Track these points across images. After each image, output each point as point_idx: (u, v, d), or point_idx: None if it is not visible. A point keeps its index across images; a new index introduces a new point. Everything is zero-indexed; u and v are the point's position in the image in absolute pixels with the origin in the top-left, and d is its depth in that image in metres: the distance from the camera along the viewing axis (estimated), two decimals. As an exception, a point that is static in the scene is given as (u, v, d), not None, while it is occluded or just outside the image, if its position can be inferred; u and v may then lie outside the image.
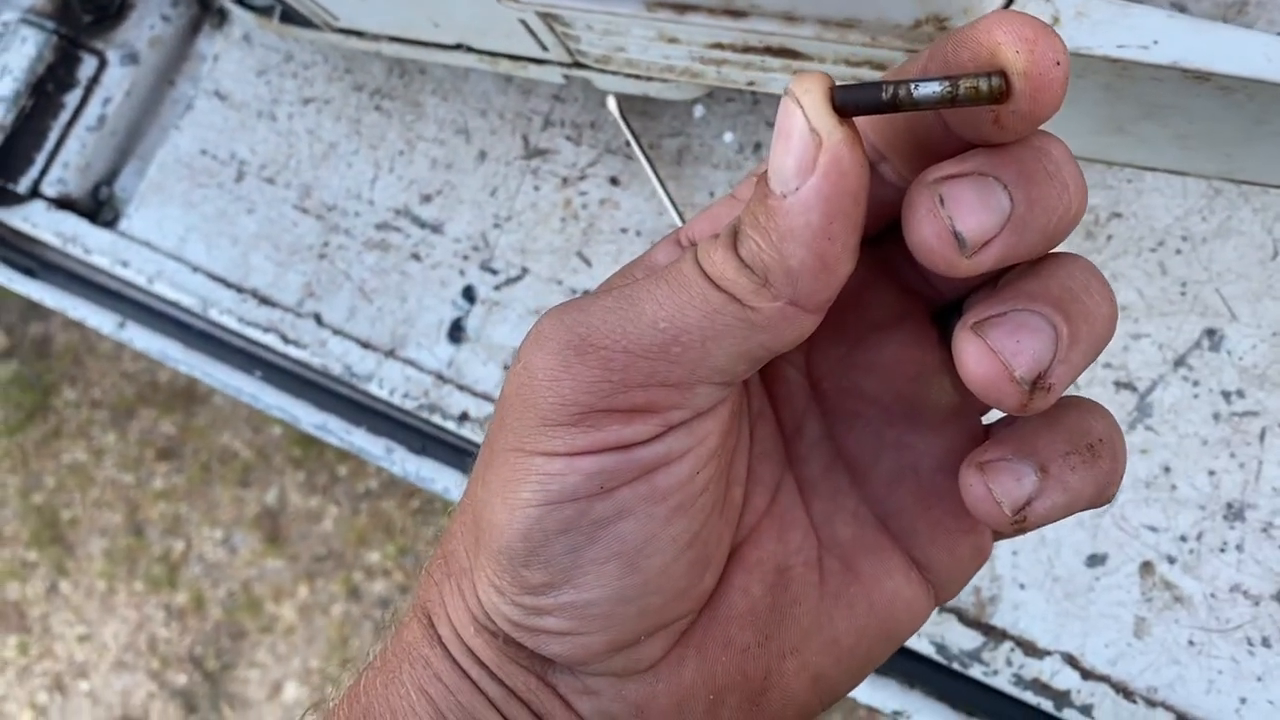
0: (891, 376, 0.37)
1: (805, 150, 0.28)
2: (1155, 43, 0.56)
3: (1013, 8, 0.58)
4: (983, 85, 0.27)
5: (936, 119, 0.30)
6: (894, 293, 0.37)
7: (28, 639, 2.11)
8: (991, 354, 0.29)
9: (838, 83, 0.29)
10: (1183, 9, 0.79)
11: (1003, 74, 0.27)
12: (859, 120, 0.30)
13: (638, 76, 0.74)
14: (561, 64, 0.76)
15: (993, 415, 0.36)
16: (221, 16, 0.99)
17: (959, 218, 0.29)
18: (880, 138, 0.32)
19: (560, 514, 0.32)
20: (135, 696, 2.06)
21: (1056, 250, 0.32)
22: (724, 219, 0.36)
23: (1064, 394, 0.31)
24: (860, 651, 0.37)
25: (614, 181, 0.87)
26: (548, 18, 0.69)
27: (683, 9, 0.64)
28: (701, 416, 0.33)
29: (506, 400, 0.33)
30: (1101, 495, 0.33)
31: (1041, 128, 0.30)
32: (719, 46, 0.67)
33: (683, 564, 0.33)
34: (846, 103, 0.28)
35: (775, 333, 0.30)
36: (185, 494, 2.12)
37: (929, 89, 0.28)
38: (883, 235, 0.35)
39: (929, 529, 0.37)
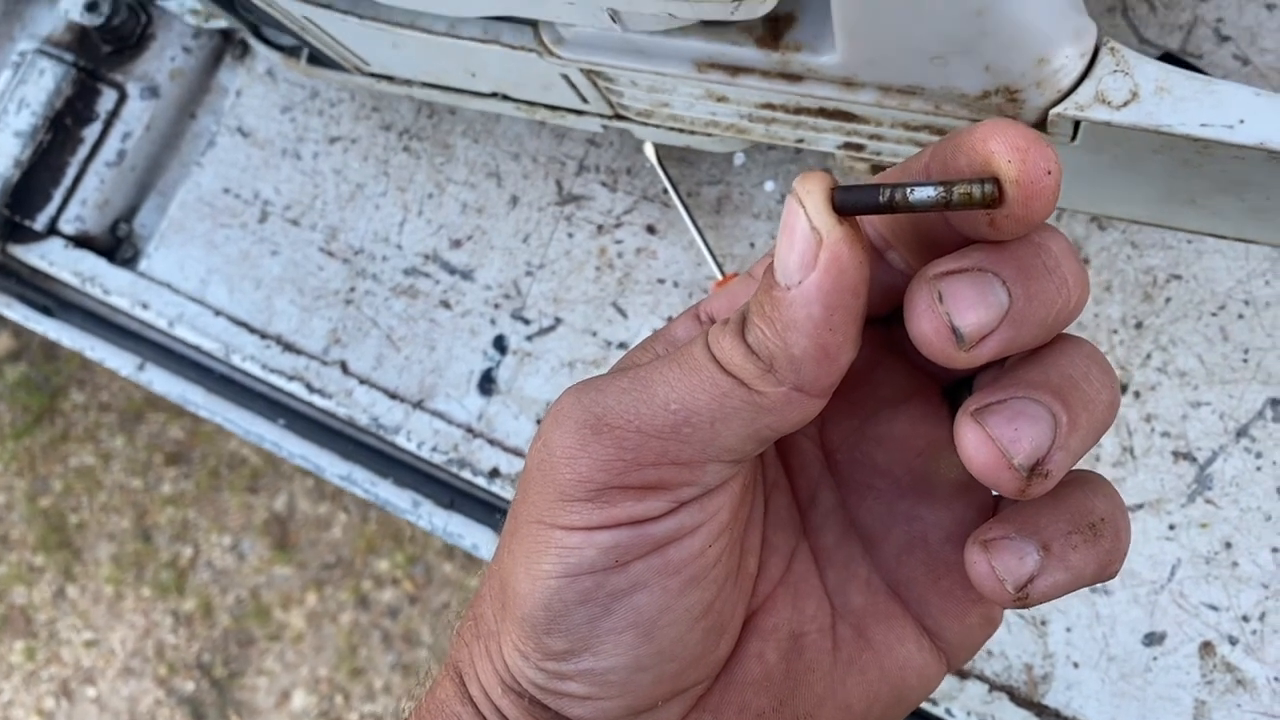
0: (902, 451, 0.38)
1: (807, 247, 0.30)
2: (1241, 122, 0.53)
3: (1090, 80, 0.55)
4: (976, 191, 0.29)
5: (938, 214, 0.31)
6: (904, 370, 0.38)
7: (34, 644, 2.09)
8: (990, 441, 0.30)
9: (839, 183, 0.31)
10: (1245, 60, 0.77)
11: (996, 181, 0.29)
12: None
13: (680, 130, 0.72)
14: (602, 115, 0.74)
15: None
16: (244, 48, 0.96)
17: (957, 314, 0.30)
18: (886, 228, 0.34)
19: (578, 586, 0.33)
20: (142, 703, 2.05)
21: (1063, 333, 0.33)
22: (742, 297, 0.37)
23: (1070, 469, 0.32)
24: (872, 716, 0.38)
25: (651, 230, 0.84)
26: (592, 74, 0.66)
27: (735, 71, 0.62)
28: (712, 493, 0.34)
29: (529, 474, 0.35)
30: (1104, 572, 0.34)
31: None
32: (769, 107, 0.64)
33: (697, 633, 0.35)
34: (846, 203, 0.30)
35: (781, 415, 0.32)
36: (194, 499, 2.10)
37: (924, 193, 0.29)
38: (892, 316, 0.36)
39: (939, 599, 0.38)
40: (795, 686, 0.37)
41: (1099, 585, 0.71)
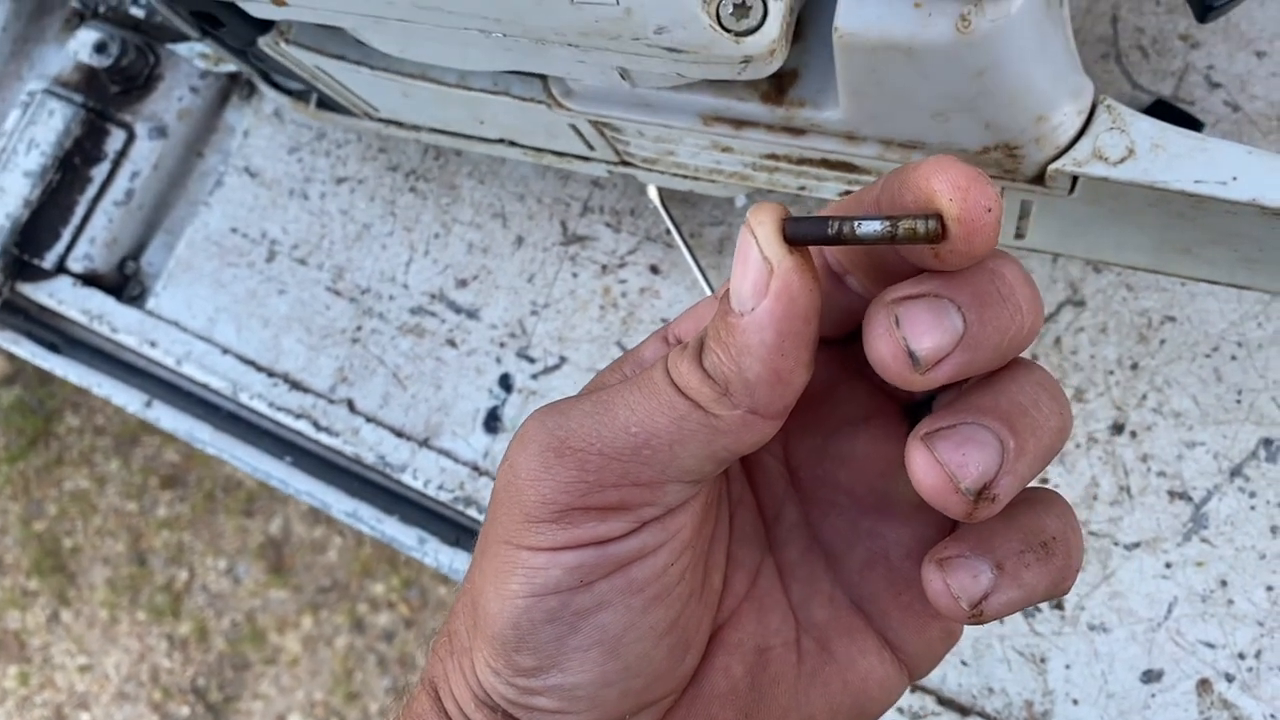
0: (862, 469, 0.39)
1: (759, 275, 0.31)
2: (1234, 179, 0.55)
3: (1087, 137, 0.57)
4: (919, 227, 0.30)
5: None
6: (866, 390, 0.39)
7: (28, 669, 2.09)
8: (938, 466, 0.31)
9: (791, 214, 0.32)
10: (1236, 107, 0.78)
11: (939, 217, 0.30)
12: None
13: (685, 176, 0.73)
14: (607, 162, 0.75)
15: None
16: (250, 88, 0.97)
17: (913, 338, 0.31)
18: (844, 255, 0.36)
19: (545, 605, 0.34)
20: (137, 728, 2.04)
21: (1019, 358, 0.34)
22: (708, 319, 0.38)
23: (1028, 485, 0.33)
24: None
25: (654, 270, 0.85)
26: (599, 125, 0.68)
27: (740, 124, 0.63)
28: (673, 512, 0.35)
29: (496, 496, 0.36)
30: (1056, 589, 0.35)
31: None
32: (772, 157, 0.66)
33: (662, 649, 0.36)
34: (796, 234, 0.31)
35: (737, 437, 0.33)
36: (189, 523, 2.10)
37: (870, 227, 0.30)
38: (853, 337, 0.37)
39: (900, 613, 0.39)
40: (760, 699, 0.38)
41: (1098, 622, 0.72)
